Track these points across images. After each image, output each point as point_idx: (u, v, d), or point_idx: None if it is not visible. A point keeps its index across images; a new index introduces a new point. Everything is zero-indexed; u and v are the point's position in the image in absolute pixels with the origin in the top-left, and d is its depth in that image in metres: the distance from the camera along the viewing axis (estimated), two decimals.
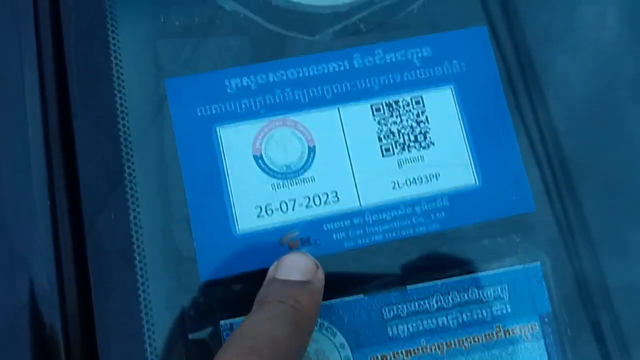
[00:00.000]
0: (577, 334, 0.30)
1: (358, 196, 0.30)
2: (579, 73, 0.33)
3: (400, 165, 0.30)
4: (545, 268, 0.30)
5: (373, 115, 0.31)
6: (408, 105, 0.31)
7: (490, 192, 0.30)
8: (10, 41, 0.30)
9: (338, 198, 0.30)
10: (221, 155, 0.30)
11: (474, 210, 0.30)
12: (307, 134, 0.30)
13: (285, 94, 0.31)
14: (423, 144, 0.31)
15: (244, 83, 0.31)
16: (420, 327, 0.29)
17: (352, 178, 0.30)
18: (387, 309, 0.29)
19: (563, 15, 0.34)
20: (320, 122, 0.31)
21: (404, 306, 0.29)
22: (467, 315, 0.29)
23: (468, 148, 0.31)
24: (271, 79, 0.31)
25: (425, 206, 0.30)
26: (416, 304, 0.29)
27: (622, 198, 0.31)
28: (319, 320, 0.28)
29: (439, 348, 0.29)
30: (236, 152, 0.30)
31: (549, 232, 0.31)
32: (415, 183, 0.30)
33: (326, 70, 0.31)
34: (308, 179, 0.30)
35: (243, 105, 0.30)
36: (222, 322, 0.28)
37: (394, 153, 0.30)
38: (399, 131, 0.31)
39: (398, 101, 0.31)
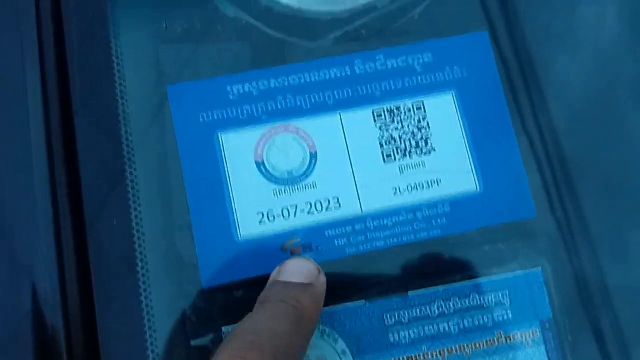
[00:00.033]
0: (578, 340, 0.30)
1: (360, 202, 0.30)
2: (581, 78, 0.33)
3: (401, 171, 0.30)
4: (546, 274, 0.30)
5: (374, 121, 0.31)
6: (409, 111, 0.31)
7: (492, 198, 0.30)
8: (12, 42, 0.30)
9: (340, 204, 0.30)
10: (223, 162, 0.30)
11: (475, 216, 0.30)
12: (309, 140, 0.30)
13: (287, 100, 0.31)
14: (424, 150, 0.31)
15: (246, 89, 0.31)
16: (422, 334, 0.29)
17: (354, 184, 0.30)
18: (388, 315, 0.29)
19: (564, 20, 0.34)
20: (321, 128, 0.31)
21: (406, 312, 0.29)
22: (468, 321, 0.29)
23: (469, 154, 0.31)
24: (273, 85, 0.31)
25: (427, 212, 0.30)
26: (417, 310, 0.29)
27: (624, 204, 0.32)
28: (320, 326, 0.28)
29: (441, 354, 0.29)
30: (238, 158, 0.30)
31: (550, 237, 0.31)
32: (417, 189, 0.30)
33: (328, 76, 0.31)
34: (310, 185, 0.30)
35: (245, 112, 0.30)
36: (224, 329, 0.28)
37: (395, 159, 0.31)
38: (400, 137, 0.31)
39: (399, 107, 0.31)
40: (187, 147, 0.30)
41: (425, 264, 0.30)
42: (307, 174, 0.30)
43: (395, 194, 0.30)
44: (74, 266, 0.28)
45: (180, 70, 0.31)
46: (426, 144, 0.31)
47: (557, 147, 0.32)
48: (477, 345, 0.29)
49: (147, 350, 0.28)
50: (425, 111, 0.31)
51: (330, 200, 0.30)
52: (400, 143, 0.31)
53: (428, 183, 0.30)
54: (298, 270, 0.27)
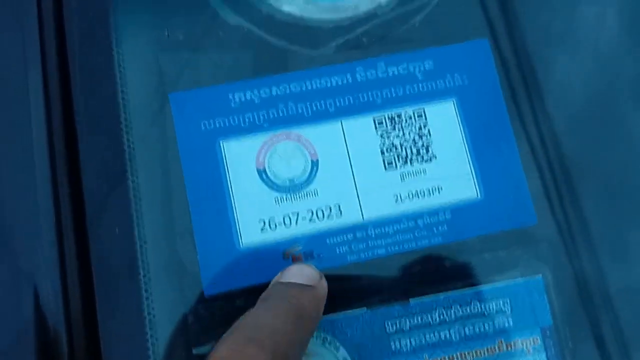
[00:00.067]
0: (579, 347, 0.30)
1: (361, 210, 0.30)
2: (582, 85, 0.33)
3: (402, 178, 0.31)
4: (546, 281, 0.30)
5: (375, 128, 0.31)
6: (410, 118, 0.31)
7: (492, 205, 0.31)
8: (13, 42, 0.30)
9: (341, 212, 0.30)
10: (225, 169, 0.30)
11: (475, 223, 0.30)
12: (310, 147, 0.31)
13: (289, 107, 0.31)
14: (425, 157, 0.31)
15: (248, 97, 0.31)
16: (423, 341, 0.29)
17: (355, 191, 0.30)
18: (389, 323, 0.29)
19: (565, 27, 0.34)
20: (323, 135, 0.31)
21: (407, 320, 0.29)
22: (469, 329, 0.29)
23: (470, 161, 0.31)
24: (274, 92, 0.31)
25: (428, 219, 0.30)
26: (419, 317, 0.29)
27: (626, 211, 0.32)
28: (322, 334, 0.28)
29: None
30: (240, 166, 0.30)
31: (551, 244, 0.31)
32: (418, 196, 0.30)
33: (329, 84, 0.31)
34: (311, 192, 0.30)
35: (247, 119, 0.31)
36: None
37: (396, 166, 0.31)
38: (401, 144, 0.31)
39: (400, 114, 0.31)
40: (189, 154, 0.30)
41: (426, 272, 0.30)
42: (308, 181, 0.30)
43: (396, 201, 0.30)
44: (76, 272, 0.29)
45: (181, 77, 0.31)
46: (427, 151, 0.31)
47: (558, 153, 0.32)
48: (478, 353, 0.29)
49: (149, 358, 0.28)
50: (426, 118, 0.31)
51: (332, 207, 0.30)
52: (401, 150, 0.31)
53: (429, 190, 0.31)
54: (300, 273, 0.27)
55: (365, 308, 0.29)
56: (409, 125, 0.31)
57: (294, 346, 0.24)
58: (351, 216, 0.30)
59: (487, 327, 0.29)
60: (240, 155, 0.30)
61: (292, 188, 0.30)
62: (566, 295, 0.30)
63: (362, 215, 0.30)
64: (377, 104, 0.31)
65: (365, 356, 0.28)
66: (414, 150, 0.31)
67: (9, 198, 0.29)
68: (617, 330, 0.30)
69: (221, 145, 0.30)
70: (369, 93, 0.31)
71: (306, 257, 0.29)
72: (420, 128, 0.31)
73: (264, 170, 0.30)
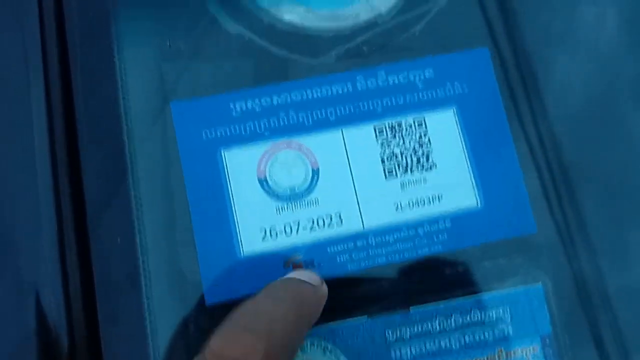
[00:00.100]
0: (579, 355, 0.30)
1: (361, 218, 0.30)
2: (583, 93, 0.33)
3: (403, 187, 0.31)
4: (546, 289, 0.30)
5: (376, 137, 0.31)
6: (411, 127, 0.31)
7: (492, 214, 0.31)
8: (14, 42, 0.30)
9: (341, 220, 0.30)
10: (226, 178, 0.30)
11: (475, 231, 0.30)
12: (311, 156, 0.31)
13: (289, 116, 0.31)
14: (425, 166, 0.31)
15: (249, 106, 0.31)
16: (423, 350, 0.29)
17: (356, 200, 0.30)
18: (390, 331, 0.29)
19: (566, 34, 0.34)
20: (324, 144, 0.31)
21: (407, 328, 0.29)
22: (469, 337, 0.29)
23: (470, 170, 0.31)
24: (275, 101, 0.31)
25: (428, 228, 0.30)
26: (419, 326, 0.29)
27: (626, 220, 0.32)
28: (322, 343, 0.28)
29: None
30: (241, 175, 0.30)
31: (551, 253, 0.31)
32: (418, 205, 0.31)
33: (329, 93, 0.32)
34: (312, 201, 0.30)
35: (248, 128, 0.31)
36: None
37: (396, 175, 0.31)
38: (401, 153, 0.31)
39: (401, 123, 0.31)
40: (190, 163, 0.30)
41: (427, 280, 0.30)
42: (309, 190, 0.30)
43: (396, 209, 0.30)
44: (78, 282, 0.29)
45: (182, 86, 0.31)
46: (427, 159, 0.31)
47: (558, 162, 0.32)
48: None
49: None
50: (426, 127, 0.31)
51: (332, 216, 0.30)
52: (402, 159, 0.31)
53: (429, 199, 0.31)
54: (301, 275, 0.27)
55: (365, 316, 0.29)
56: (409, 133, 0.31)
57: (290, 338, 0.24)
58: (352, 225, 0.30)
59: (487, 336, 0.29)
60: (241, 164, 0.30)
61: (293, 197, 0.30)
62: (566, 304, 0.30)
63: (363, 223, 0.30)
64: (378, 112, 0.31)
65: None
66: (414, 159, 0.31)
67: (10, 207, 0.29)
68: (617, 339, 0.30)
69: (222, 154, 0.30)
70: (370, 102, 0.32)
71: (307, 265, 0.29)
72: (420, 137, 0.31)
73: (265, 179, 0.30)
